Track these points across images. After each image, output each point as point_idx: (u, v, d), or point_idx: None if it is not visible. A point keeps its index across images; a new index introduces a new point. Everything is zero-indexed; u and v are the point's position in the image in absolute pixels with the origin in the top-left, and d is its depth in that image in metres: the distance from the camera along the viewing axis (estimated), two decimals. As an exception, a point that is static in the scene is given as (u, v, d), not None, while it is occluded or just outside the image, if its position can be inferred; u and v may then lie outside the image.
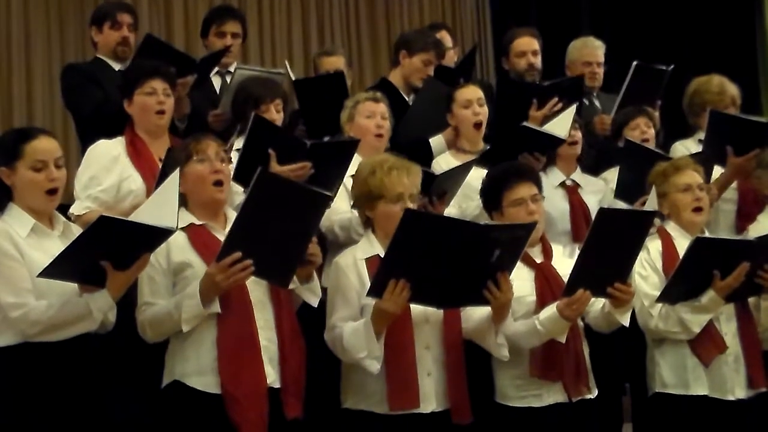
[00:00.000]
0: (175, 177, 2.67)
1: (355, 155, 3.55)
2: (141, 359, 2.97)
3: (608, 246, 2.91)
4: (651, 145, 3.95)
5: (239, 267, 2.64)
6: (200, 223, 2.87)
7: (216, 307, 2.72)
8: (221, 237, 2.82)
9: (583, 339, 3.17)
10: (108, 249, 2.55)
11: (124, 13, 4.15)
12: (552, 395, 3.07)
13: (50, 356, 2.64)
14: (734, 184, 3.96)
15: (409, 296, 2.76)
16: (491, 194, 3.25)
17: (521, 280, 3.09)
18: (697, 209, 3.39)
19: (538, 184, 3.25)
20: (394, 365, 2.87)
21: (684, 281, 3.19)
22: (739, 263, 3.14)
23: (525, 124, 3.73)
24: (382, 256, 2.82)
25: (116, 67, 4.06)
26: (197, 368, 2.76)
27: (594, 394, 3.15)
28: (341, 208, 3.44)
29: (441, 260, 2.73)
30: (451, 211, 3.63)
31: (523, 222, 3.06)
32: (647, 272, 3.23)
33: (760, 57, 7.25)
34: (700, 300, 3.20)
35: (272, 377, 2.79)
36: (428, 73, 4.38)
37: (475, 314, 2.97)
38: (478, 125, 3.97)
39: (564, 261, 3.19)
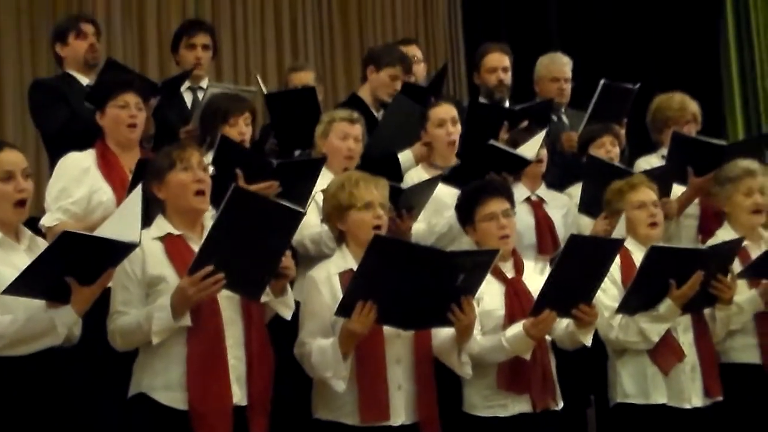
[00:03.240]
0: (137, 191, 2.67)
1: (327, 171, 3.60)
2: (113, 367, 2.97)
3: (576, 270, 2.99)
4: (615, 163, 4.02)
5: (211, 280, 2.65)
6: (177, 233, 2.87)
7: (187, 321, 2.72)
8: (198, 248, 2.82)
9: (550, 352, 3.23)
10: (72, 264, 2.56)
11: (87, 23, 4.19)
12: (518, 406, 3.13)
13: (15, 370, 2.63)
14: (696, 200, 4.05)
15: (376, 317, 2.80)
16: (464, 209, 3.31)
17: (491, 295, 3.15)
18: (653, 224, 3.48)
19: (511, 200, 3.30)
20: (366, 379, 2.91)
21: (642, 291, 3.26)
22: (694, 272, 3.22)
23: (492, 142, 3.79)
24: (356, 269, 2.86)
25: (84, 81, 4.09)
26: (164, 383, 2.77)
27: (560, 405, 3.21)
28: (312, 222, 3.47)
29: (407, 284, 2.79)
30: (419, 226, 3.67)
31: (494, 236, 3.16)
32: (606, 285, 3.28)
33: (724, 76, 7.38)
34: (657, 309, 3.28)
35: (238, 396, 2.79)
36: (395, 87, 4.43)
37: (441, 333, 3.01)
38: (452, 144, 4.03)
39: (535, 277, 3.24)
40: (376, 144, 4.08)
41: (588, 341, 3.12)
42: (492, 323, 3.15)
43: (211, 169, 3.06)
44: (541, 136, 3.86)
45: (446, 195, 3.66)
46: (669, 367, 3.30)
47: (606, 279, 3.23)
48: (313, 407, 3.04)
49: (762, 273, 3.50)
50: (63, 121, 3.90)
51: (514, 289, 3.19)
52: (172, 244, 2.85)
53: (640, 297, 3.27)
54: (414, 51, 4.99)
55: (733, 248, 3.40)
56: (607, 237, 3.45)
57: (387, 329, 2.93)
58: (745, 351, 3.53)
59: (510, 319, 3.13)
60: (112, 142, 3.49)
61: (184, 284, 2.66)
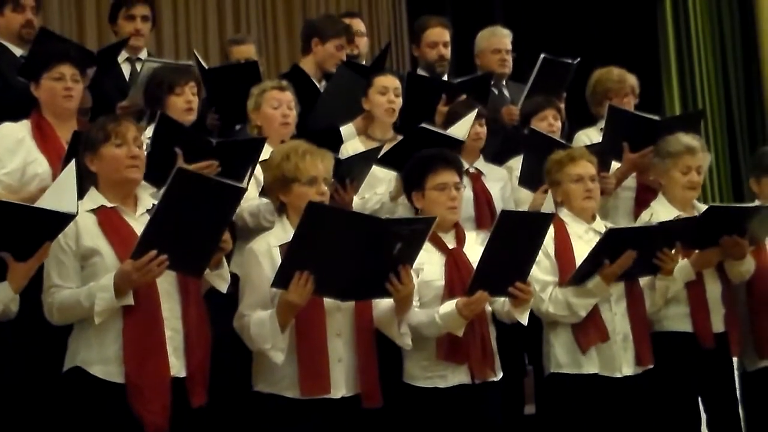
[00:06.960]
0: (72, 165, 2.66)
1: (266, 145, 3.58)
2: (47, 341, 2.95)
3: (509, 247, 3.02)
4: (556, 137, 4.06)
5: (155, 263, 2.65)
6: (111, 205, 2.85)
7: (129, 300, 2.72)
8: (131, 221, 2.83)
9: (491, 323, 3.26)
10: (7, 239, 2.53)
11: None
12: (457, 376, 3.16)
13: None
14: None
15: (314, 288, 2.81)
16: (415, 174, 3.30)
17: (432, 265, 3.17)
18: (587, 198, 3.51)
19: (461, 174, 3.33)
20: (306, 352, 2.92)
21: (590, 269, 3.31)
22: (648, 246, 3.28)
23: (424, 125, 3.78)
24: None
25: (17, 52, 3.99)
26: (100, 357, 2.76)
27: (499, 376, 3.25)
28: (250, 195, 3.45)
29: (344, 253, 2.79)
30: (354, 200, 3.68)
31: (443, 206, 3.18)
32: (539, 257, 3.30)
33: (662, 52, 7.48)
34: (586, 284, 3.34)
35: (176, 368, 2.80)
36: (341, 57, 4.44)
37: (381, 304, 3.03)
38: (391, 112, 4.03)
39: (475, 248, 3.26)
40: (318, 115, 4.07)
41: (524, 320, 3.16)
42: (431, 293, 3.17)
43: (146, 144, 3.03)
44: (471, 116, 3.87)
45: (380, 170, 3.68)
46: (588, 345, 3.35)
47: (539, 252, 3.25)
48: (253, 380, 3.04)
49: (694, 244, 3.58)
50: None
51: (455, 260, 3.21)
52: (105, 216, 2.83)
53: (587, 273, 3.33)
54: (357, 25, 4.98)
55: (685, 227, 3.46)
56: (538, 212, 3.48)
57: (327, 302, 2.94)
58: (677, 319, 3.60)
59: (449, 289, 3.15)
60: (48, 113, 3.44)
61: (127, 268, 2.65)
